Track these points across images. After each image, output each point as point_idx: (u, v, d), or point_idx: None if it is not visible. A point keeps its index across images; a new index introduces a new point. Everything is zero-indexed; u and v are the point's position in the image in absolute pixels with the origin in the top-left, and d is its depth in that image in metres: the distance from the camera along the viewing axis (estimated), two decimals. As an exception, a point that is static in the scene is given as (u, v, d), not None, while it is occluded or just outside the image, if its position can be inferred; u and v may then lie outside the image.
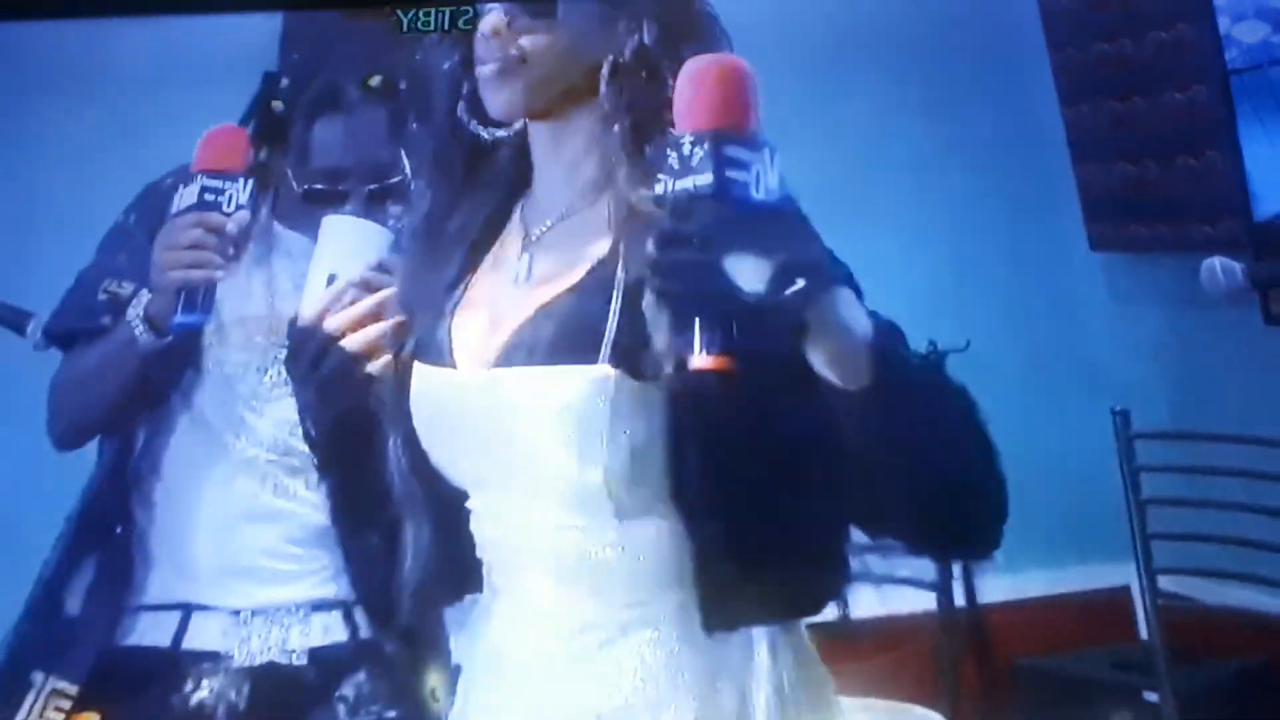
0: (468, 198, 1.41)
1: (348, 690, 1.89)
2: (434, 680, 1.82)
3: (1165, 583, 2.69)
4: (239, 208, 1.77)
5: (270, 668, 1.87)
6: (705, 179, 1.14)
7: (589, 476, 1.27)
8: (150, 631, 1.90)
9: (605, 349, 1.26)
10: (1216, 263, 1.76)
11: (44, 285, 2.97)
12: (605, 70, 1.31)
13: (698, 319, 1.14)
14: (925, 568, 2.68)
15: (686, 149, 1.15)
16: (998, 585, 3.65)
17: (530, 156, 1.39)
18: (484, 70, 1.35)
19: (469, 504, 1.38)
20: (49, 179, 3.19)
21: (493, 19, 1.35)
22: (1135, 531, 2.69)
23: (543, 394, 1.27)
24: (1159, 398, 3.27)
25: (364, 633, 1.90)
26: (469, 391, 1.33)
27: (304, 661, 1.88)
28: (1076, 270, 3.56)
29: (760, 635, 1.33)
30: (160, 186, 1.98)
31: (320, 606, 1.90)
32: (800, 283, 1.14)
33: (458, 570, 1.39)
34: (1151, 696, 2.78)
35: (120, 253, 1.97)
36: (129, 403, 1.92)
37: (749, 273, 1.13)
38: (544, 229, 1.37)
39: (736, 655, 1.32)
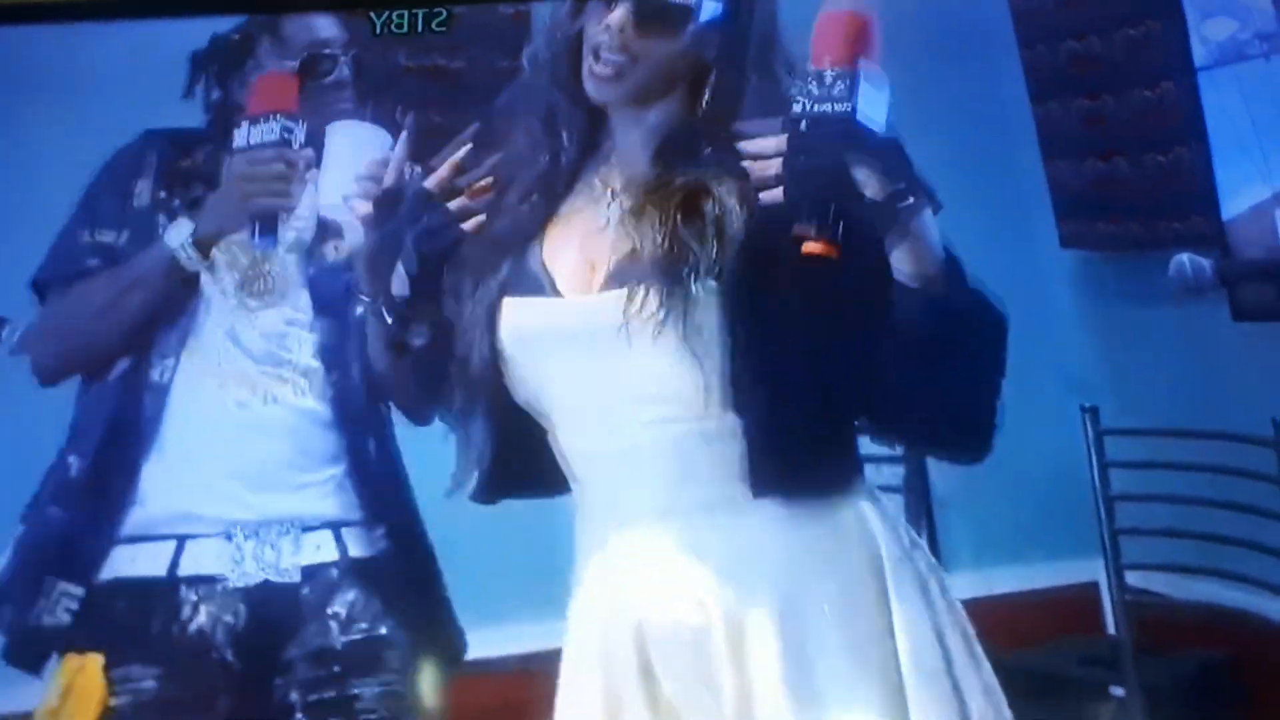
0: (558, 153, 1.62)
1: (339, 607, 1.97)
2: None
3: (1133, 578, 2.71)
4: (302, 146, 1.92)
5: (264, 586, 1.95)
6: (844, 105, 1.43)
7: (689, 375, 1.50)
8: (146, 562, 1.95)
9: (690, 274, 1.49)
10: (1185, 259, 1.77)
11: (15, 290, 2.97)
12: (688, 75, 1.57)
13: (819, 211, 1.42)
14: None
15: (829, 80, 1.43)
16: (967, 581, 3.66)
17: (609, 125, 1.62)
18: (598, 63, 1.56)
19: (553, 425, 1.58)
20: (18, 183, 3.17)
21: (620, 14, 1.54)
22: (1104, 527, 2.70)
23: (648, 309, 1.50)
24: (1128, 394, 3.29)
25: (353, 552, 1.99)
26: (579, 315, 1.55)
27: (296, 579, 1.96)
28: (1047, 267, 3.57)
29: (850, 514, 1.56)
30: (130, 149, 2.17)
31: (310, 527, 1.98)
32: (910, 200, 1.46)
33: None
34: (1118, 691, 2.80)
35: (97, 206, 2.10)
36: (148, 324, 2.02)
37: (869, 183, 1.43)
38: (621, 185, 1.60)
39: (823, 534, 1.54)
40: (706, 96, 1.55)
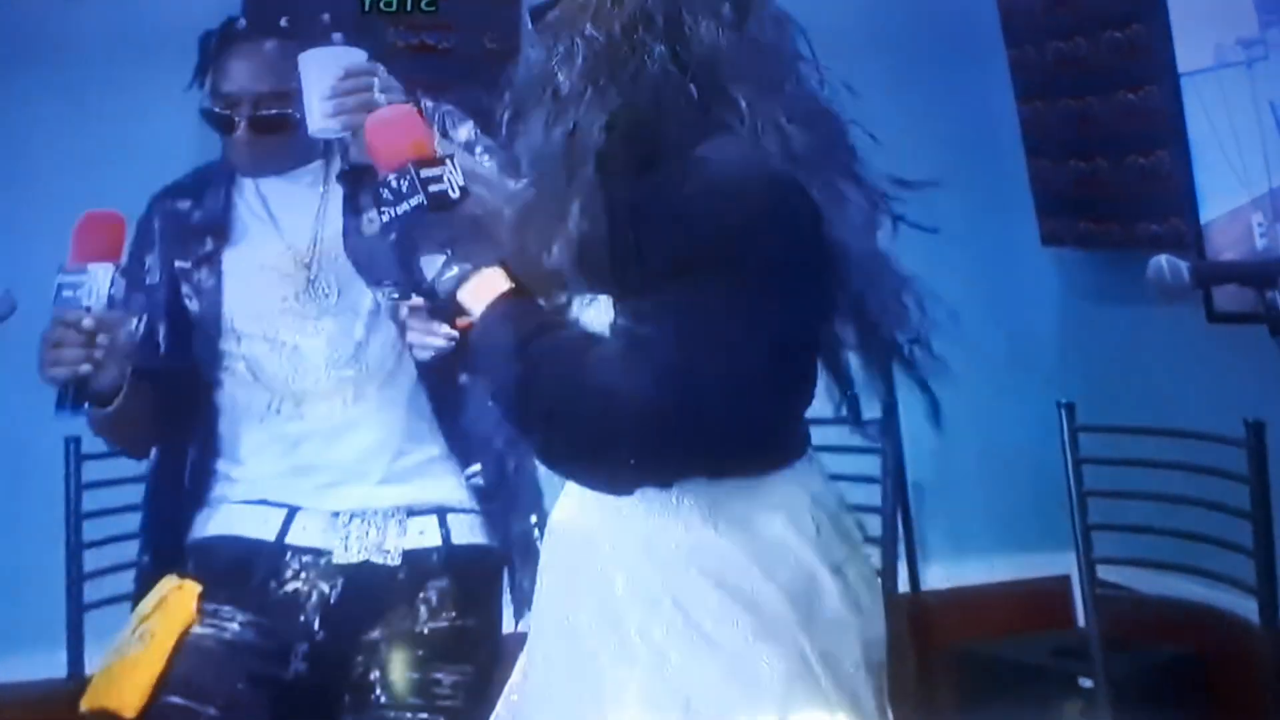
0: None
1: (431, 593, 1.98)
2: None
3: (1104, 572, 2.74)
4: (100, 299, 1.83)
5: (365, 566, 1.97)
6: (416, 199, 1.48)
7: None
8: (255, 524, 1.99)
9: None
10: (1163, 261, 1.80)
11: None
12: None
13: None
14: (870, 553, 2.72)
15: (394, 182, 1.48)
16: (941, 572, 3.71)
17: None
18: None
19: None
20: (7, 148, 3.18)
21: None
22: (1076, 522, 2.73)
23: None
24: (1104, 391, 3.33)
25: (456, 538, 2.00)
26: None
27: (397, 561, 1.97)
28: (1027, 264, 3.61)
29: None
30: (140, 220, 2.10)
31: (416, 511, 1.99)
32: (453, 271, 1.48)
33: None
34: (1087, 682, 2.83)
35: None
36: (169, 427, 2.06)
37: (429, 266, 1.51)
38: None
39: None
40: None
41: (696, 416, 1.36)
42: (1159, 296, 1.89)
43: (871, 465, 2.77)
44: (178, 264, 2.04)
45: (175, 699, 1.90)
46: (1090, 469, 2.73)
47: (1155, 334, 3.28)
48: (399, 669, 1.95)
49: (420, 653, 1.96)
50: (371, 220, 1.94)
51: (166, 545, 2.05)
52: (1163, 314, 3.08)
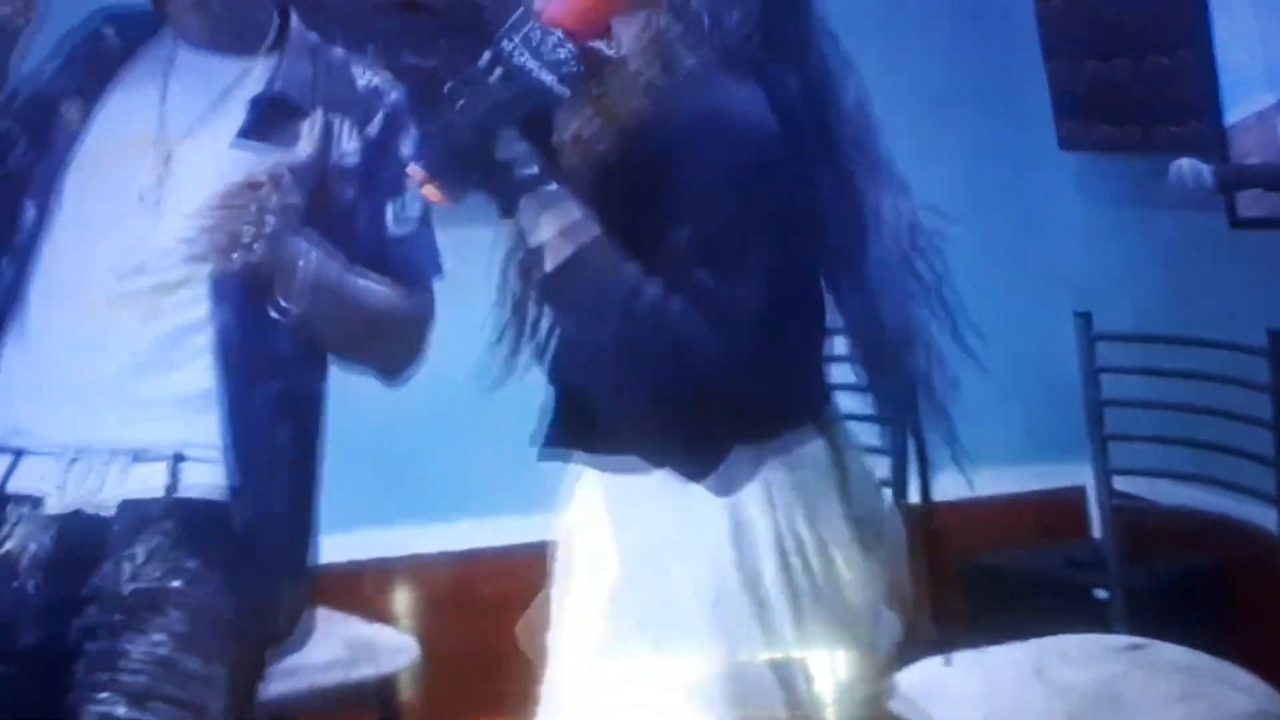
0: None
1: (138, 548, 1.77)
2: None
3: (1120, 483, 2.71)
4: None
5: (76, 516, 1.78)
6: (550, 74, 1.39)
7: None
8: None
9: None
10: (1185, 164, 1.75)
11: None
12: None
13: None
14: (880, 463, 2.69)
15: (552, 42, 1.38)
16: (953, 483, 3.66)
17: None
18: None
19: None
20: None
21: None
22: (1093, 432, 2.70)
23: None
24: (1122, 299, 3.28)
25: (181, 490, 1.79)
26: None
27: (111, 512, 1.78)
28: (1045, 169, 3.54)
29: None
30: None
31: (143, 456, 1.79)
32: (533, 171, 1.42)
33: None
34: (1102, 593, 2.81)
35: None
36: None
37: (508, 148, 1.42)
38: None
39: None
40: None
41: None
42: (1180, 201, 1.84)
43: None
44: (61, 94, 1.91)
45: None
46: (1108, 378, 2.70)
47: (1176, 240, 3.23)
48: (94, 634, 1.73)
49: (117, 617, 1.72)
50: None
51: None
52: (1184, 220, 3.03)
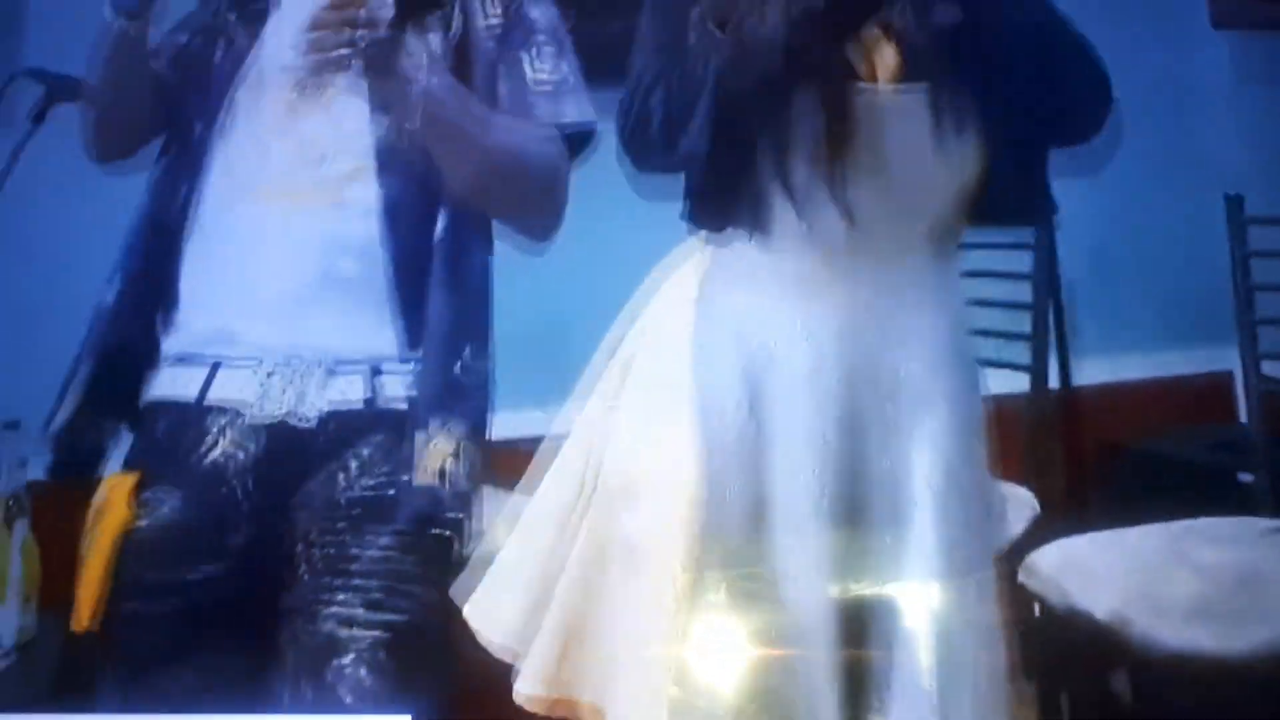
0: None
1: (363, 450, 1.83)
2: (445, 447, 1.81)
3: (1269, 368, 2.68)
4: None
5: (282, 426, 1.82)
6: None
7: None
8: (184, 384, 1.87)
9: None
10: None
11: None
12: None
13: None
14: (1021, 351, 2.68)
15: None
16: (1097, 367, 3.65)
17: None
18: None
19: None
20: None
21: None
22: (1242, 317, 2.66)
23: None
24: (1275, 183, 3.21)
25: (381, 401, 1.84)
26: None
27: (313, 424, 1.82)
28: (1197, 47, 3.46)
29: None
30: None
31: (339, 368, 1.84)
32: None
33: None
34: (1246, 477, 2.79)
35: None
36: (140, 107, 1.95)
37: None
38: None
39: None
40: None
41: None
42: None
43: (1022, 262, 2.72)
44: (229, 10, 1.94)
45: (131, 605, 1.79)
46: (1258, 262, 2.65)
47: (1332, 120, 3.15)
48: (321, 543, 1.80)
49: (341, 525, 1.79)
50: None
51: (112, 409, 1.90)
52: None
